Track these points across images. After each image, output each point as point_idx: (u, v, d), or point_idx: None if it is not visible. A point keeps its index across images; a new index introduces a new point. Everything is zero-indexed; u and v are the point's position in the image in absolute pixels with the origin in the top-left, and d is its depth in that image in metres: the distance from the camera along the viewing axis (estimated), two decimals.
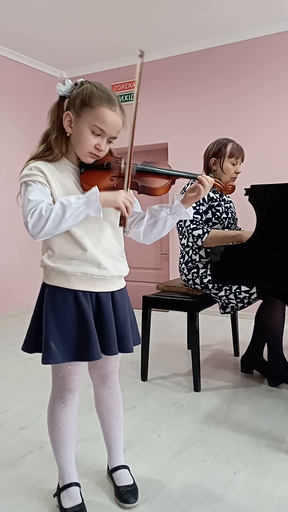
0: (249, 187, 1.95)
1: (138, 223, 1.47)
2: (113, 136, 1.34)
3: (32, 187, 1.26)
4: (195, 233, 2.48)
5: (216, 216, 2.55)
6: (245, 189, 1.95)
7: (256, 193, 1.93)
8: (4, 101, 4.48)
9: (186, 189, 1.68)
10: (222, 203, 2.60)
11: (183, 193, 1.47)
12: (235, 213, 2.73)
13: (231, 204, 2.74)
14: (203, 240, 2.47)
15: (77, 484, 1.49)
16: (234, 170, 2.58)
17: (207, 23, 3.93)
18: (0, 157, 4.42)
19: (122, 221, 1.28)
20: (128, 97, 4.71)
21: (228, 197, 2.76)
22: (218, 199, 2.57)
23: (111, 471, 1.61)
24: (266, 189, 1.90)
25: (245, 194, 1.96)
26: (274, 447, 1.89)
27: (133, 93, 4.66)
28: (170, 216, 1.42)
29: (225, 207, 2.61)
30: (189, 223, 2.50)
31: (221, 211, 2.56)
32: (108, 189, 1.34)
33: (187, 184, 2.45)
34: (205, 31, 4.09)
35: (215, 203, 2.55)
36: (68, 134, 1.34)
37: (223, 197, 2.65)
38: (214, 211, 2.54)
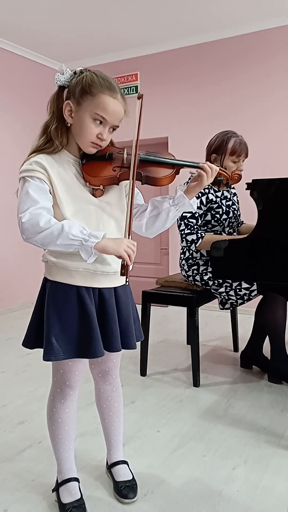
0: (250, 181, 1.93)
1: (140, 216, 1.44)
2: (115, 124, 1.31)
3: (30, 183, 1.23)
4: (189, 238, 2.44)
5: (216, 219, 2.50)
6: (246, 183, 1.93)
7: (258, 188, 1.91)
8: (4, 94, 4.44)
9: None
10: (223, 202, 2.55)
11: (186, 184, 1.45)
12: (237, 209, 2.68)
13: (235, 198, 2.67)
14: (197, 245, 2.44)
15: (76, 479, 1.49)
16: (236, 168, 2.47)
17: (209, 16, 3.89)
18: (1, 151, 4.39)
19: (124, 270, 1.21)
20: (128, 90, 4.68)
21: (233, 188, 2.70)
22: (218, 199, 2.52)
23: (110, 466, 1.60)
24: (268, 184, 1.89)
25: (246, 189, 1.94)
26: (274, 443, 1.89)
27: (133, 86, 4.65)
28: (173, 207, 1.39)
29: (226, 205, 2.55)
30: (184, 227, 2.45)
31: (221, 212, 2.51)
32: (110, 179, 1.32)
33: (189, 178, 2.42)
34: (206, 24, 4.05)
35: (215, 205, 2.49)
36: (68, 125, 1.31)
37: (225, 195, 2.59)
38: (214, 213, 2.49)
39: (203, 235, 2.43)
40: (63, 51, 4.69)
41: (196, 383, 2.50)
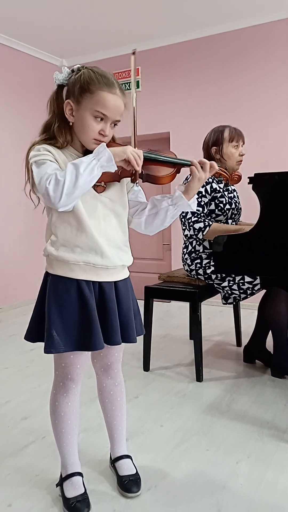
0: (252, 175, 1.92)
1: (140, 213, 1.45)
2: (116, 119, 1.31)
3: (45, 164, 1.24)
4: (196, 226, 2.45)
5: (220, 208, 2.51)
6: (248, 177, 1.92)
7: (260, 182, 1.90)
8: (4, 90, 4.42)
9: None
10: (226, 193, 2.57)
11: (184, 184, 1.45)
12: (239, 203, 2.70)
13: (235, 193, 2.70)
14: (204, 233, 2.44)
15: (80, 474, 1.49)
16: (238, 153, 2.55)
17: (210, 10, 3.86)
18: (0, 148, 4.38)
19: (134, 176, 1.26)
20: (130, 86, 4.66)
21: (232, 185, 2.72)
22: (221, 190, 2.54)
23: (114, 461, 1.60)
24: (270, 178, 1.88)
25: (248, 183, 1.93)
26: (277, 437, 1.89)
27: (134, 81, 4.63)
28: (172, 207, 1.40)
29: (228, 197, 2.57)
30: (191, 216, 2.47)
31: (224, 202, 2.52)
32: (112, 176, 1.33)
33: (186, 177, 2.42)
34: (208, 18, 4.01)
35: (218, 194, 2.51)
36: (70, 123, 1.32)
37: (227, 187, 2.61)
38: (218, 202, 2.51)
39: (211, 223, 2.44)
40: (64, 46, 4.66)
41: (199, 378, 2.50)
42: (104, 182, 1.34)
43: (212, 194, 2.50)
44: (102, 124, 1.29)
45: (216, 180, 2.53)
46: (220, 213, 2.52)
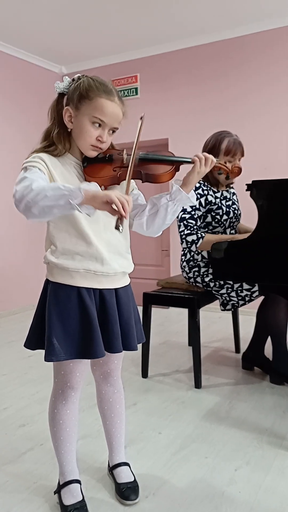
0: (250, 182, 1.93)
1: (140, 215, 1.44)
2: (114, 126, 1.33)
3: (31, 170, 1.24)
4: (189, 238, 2.44)
5: (216, 220, 2.50)
6: (246, 184, 1.94)
7: (258, 189, 1.92)
8: (3, 96, 4.44)
9: None
10: (223, 202, 2.54)
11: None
12: (238, 209, 2.67)
13: (235, 197, 2.67)
14: (197, 245, 2.43)
15: (78, 481, 1.49)
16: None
17: (210, 17, 3.89)
18: (1, 152, 4.39)
19: (119, 220, 1.11)
20: (128, 92, 4.69)
21: (232, 187, 2.70)
22: (217, 200, 2.51)
23: (112, 468, 1.60)
24: (268, 185, 1.89)
25: (246, 190, 1.94)
26: (276, 444, 1.89)
27: (133, 88, 4.66)
28: (171, 202, 1.38)
29: (226, 206, 2.55)
30: (183, 228, 2.45)
31: (221, 213, 2.50)
32: (111, 179, 1.34)
33: None
34: (208, 24, 4.03)
35: (214, 207, 2.48)
36: (69, 130, 1.34)
37: (224, 195, 2.59)
38: (214, 214, 2.49)
39: (203, 235, 2.43)
40: (62, 53, 4.69)
41: (198, 384, 2.49)
42: (104, 186, 1.35)
43: (207, 206, 2.48)
44: (100, 130, 1.31)
45: (212, 190, 2.52)
46: (217, 224, 2.51)
